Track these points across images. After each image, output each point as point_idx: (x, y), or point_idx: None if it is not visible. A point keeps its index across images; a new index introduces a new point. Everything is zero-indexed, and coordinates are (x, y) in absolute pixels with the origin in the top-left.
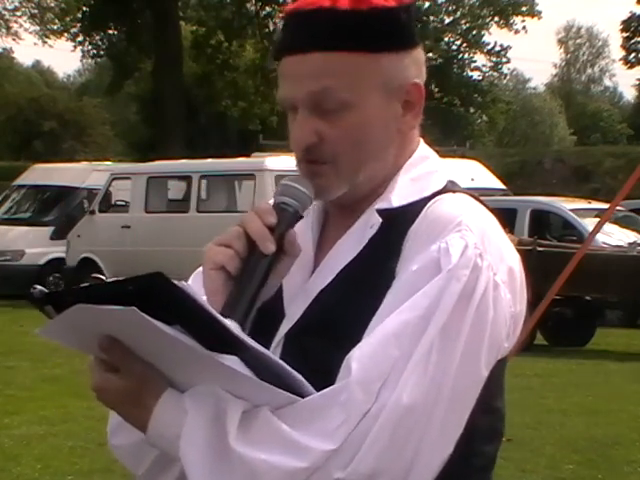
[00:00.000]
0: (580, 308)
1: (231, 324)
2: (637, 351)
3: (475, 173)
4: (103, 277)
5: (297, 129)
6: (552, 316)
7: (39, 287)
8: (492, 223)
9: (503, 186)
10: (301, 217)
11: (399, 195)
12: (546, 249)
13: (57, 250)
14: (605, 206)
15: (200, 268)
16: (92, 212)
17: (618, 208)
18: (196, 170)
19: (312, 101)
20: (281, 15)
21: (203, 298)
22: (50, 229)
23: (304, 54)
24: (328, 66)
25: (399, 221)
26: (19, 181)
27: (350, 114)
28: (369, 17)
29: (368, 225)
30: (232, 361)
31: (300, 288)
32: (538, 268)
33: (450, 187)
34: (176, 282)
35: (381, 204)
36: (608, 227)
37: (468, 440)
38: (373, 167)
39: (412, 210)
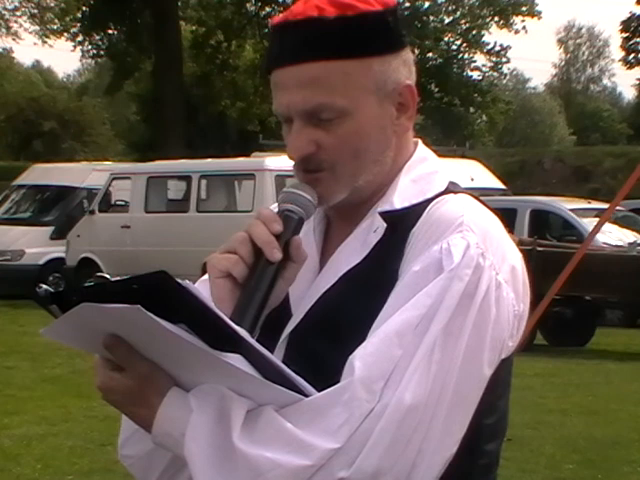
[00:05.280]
0: (580, 308)
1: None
2: (637, 351)
3: (475, 173)
4: (108, 276)
5: (294, 140)
6: (552, 316)
7: (44, 286)
8: (494, 223)
9: (503, 186)
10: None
11: (401, 197)
12: (546, 249)
13: (57, 250)
14: (605, 206)
15: (205, 276)
16: (92, 212)
17: (618, 208)
18: (196, 170)
19: (308, 112)
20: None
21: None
22: (50, 229)
23: (296, 65)
24: (321, 76)
25: (401, 223)
26: (19, 181)
27: (347, 121)
28: (357, 23)
29: (372, 228)
30: (236, 360)
31: (305, 291)
32: (538, 268)
33: (451, 188)
34: (180, 281)
35: (383, 206)
36: (608, 227)
37: (472, 439)
38: (372, 171)
39: (414, 212)
